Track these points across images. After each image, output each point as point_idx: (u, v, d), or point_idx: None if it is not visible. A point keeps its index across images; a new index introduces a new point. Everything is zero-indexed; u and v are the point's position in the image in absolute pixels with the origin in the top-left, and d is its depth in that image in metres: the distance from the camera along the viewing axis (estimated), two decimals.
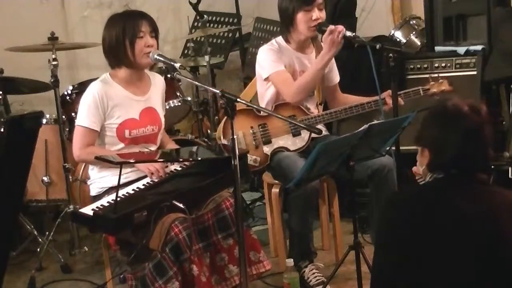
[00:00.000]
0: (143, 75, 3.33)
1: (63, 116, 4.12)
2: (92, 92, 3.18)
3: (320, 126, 3.63)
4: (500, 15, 4.30)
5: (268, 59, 3.62)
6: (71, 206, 4.05)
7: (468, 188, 2.12)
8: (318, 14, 3.54)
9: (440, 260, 2.04)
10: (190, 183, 3.08)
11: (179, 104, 4.38)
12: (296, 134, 3.65)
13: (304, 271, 3.54)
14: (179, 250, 2.85)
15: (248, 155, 3.41)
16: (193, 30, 5.47)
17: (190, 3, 4.95)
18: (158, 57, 3.12)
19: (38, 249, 4.09)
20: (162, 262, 2.86)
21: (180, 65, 2.97)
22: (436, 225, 2.06)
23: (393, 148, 3.35)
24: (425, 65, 4.42)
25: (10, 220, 2.70)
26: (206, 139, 4.75)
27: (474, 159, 2.12)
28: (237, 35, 5.45)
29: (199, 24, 5.02)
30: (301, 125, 3.29)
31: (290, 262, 3.28)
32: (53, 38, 4.22)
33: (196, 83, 4.60)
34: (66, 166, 4.07)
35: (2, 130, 2.49)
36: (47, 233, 4.11)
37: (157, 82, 3.40)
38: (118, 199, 2.80)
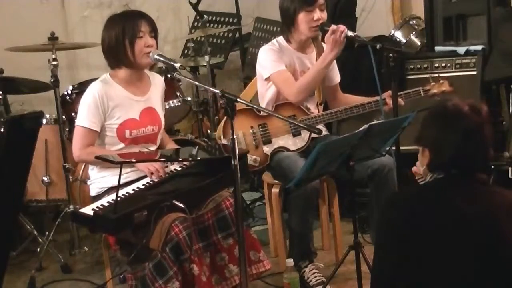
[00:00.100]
0: (143, 75, 3.33)
1: (63, 116, 4.12)
2: (92, 92, 3.18)
3: (320, 126, 3.63)
4: (500, 15, 4.30)
5: (269, 59, 3.62)
6: (71, 206, 4.05)
7: (468, 188, 2.12)
8: (320, 15, 3.54)
9: (440, 260, 2.04)
10: (190, 183, 3.09)
11: (179, 104, 4.38)
12: (296, 134, 3.65)
13: (304, 271, 3.54)
14: (179, 250, 2.85)
15: (248, 155, 3.41)
16: (193, 30, 5.47)
17: (190, 3, 4.95)
18: (158, 57, 3.12)
19: (38, 249, 4.09)
20: (162, 262, 2.86)
21: (180, 65, 2.97)
22: (436, 225, 2.06)
23: (393, 148, 3.35)
24: (425, 65, 4.42)
25: (10, 220, 2.70)
26: (206, 139, 4.75)
27: (474, 159, 2.12)
28: (237, 35, 5.45)
29: (199, 24, 5.02)
30: (301, 125, 3.29)
31: (290, 262, 3.28)
32: (53, 38, 4.22)
33: (196, 83, 4.60)
34: (66, 166, 4.07)
35: (2, 130, 2.49)
36: (47, 233, 4.11)
37: (157, 82, 3.40)
38: (118, 199, 2.80)
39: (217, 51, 5.40)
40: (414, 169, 2.28)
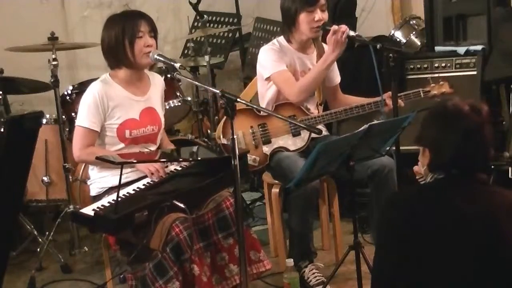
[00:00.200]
0: (142, 75, 3.33)
1: (63, 116, 4.12)
2: (92, 92, 3.18)
3: (320, 126, 3.63)
4: (500, 15, 4.30)
5: (270, 59, 3.62)
6: (71, 206, 4.05)
7: (468, 188, 2.12)
8: (321, 15, 3.53)
9: (440, 260, 2.04)
10: (190, 183, 3.09)
11: (179, 104, 4.38)
12: (296, 134, 3.65)
13: (304, 271, 3.54)
14: (180, 250, 2.85)
15: (247, 155, 3.41)
16: (193, 30, 5.47)
17: (190, 3, 4.95)
18: (158, 57, 3.12)
19: (38, 249, 4.09)
20: (162, 262, 2.86)
21: (180, 65, 2.97)
22: (436, 225, 2.06)
23: (393, 148, 3.35)
24: (425, 65, 4.42)
25: (10, 220, 2.70)
26: (206, 139, 4.75)
27: (474, 159, 2.12)
28: (237, 35, 5.45)
29: (199, 24, 5.02)
30: (301, 125, 3.29)
31: (290, 262, 3.28)
32: (53, 38, 4.22)
33: (196, 83, 4.60)
34: (66, 166, 4.07)
35: (2, 130, 2.49)
36: (47, 233, 4.11)
37: (157, 82, 3.40)
38: (119, 199, 2.80)
39: (217, 51, 5.39)
40: (415, 168, 2.28)
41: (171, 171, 3.16)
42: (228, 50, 5.48)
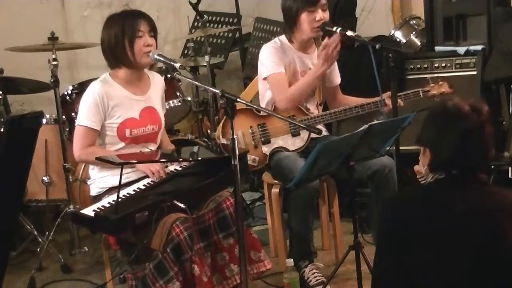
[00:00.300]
0: (142, 75, 3.33)
1: (63, 116, 4.12)
2: (93, 92, 3.18)
3: (320, 127, 3.63)
4: (500, 15, 4.30)
5: (270, 59, 3.62)
6: (71, 206, 4.05)
7: (468, 188, 2.12)
8: (322, 15, 3.54)
9: (440, 260, 2.04)
10: (191, 183, 3.08)
11: (179, 104, 4.38)
12: (295, 134, 3.65)
13: (304, 271, 3.54)
14: (180, 250, 2.85)
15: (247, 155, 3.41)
16: (193, 30, 5.47)
17: (190, 3, 4.95)
18: (158, 57, 3.12)
19: (38, 249, 4.09)
20: (163, 262, 2.86)
21: (180, 65, 2.97)
22: (436, 225, 2.06)
23: (393, 148, 3.35)
24: (425, 65, 4.42)
25: (10, 220, 2.70)
26: (206, 139, 4.75)
27: (474, 159, 2.12)
28: (237, 35, 5.45)
29: (199, 24, 5.02)
30: (301, 125, 3.29)
31: (290, 262, 3.28)
32: (53, 38, 4.22)
33: (196, 83, 4.60)
34: (66, 166, 4.07)
35: (2, 130, 2.50)
36: (47, 233, 4.11)
37: (157, 82, 3.40)
38: (119, 199, 2.80)
39: (217, 51, 5.39)
40: (416, 167, 2.28)
41: (171, 171, 3.16)
42: (228, 50, 5.48)
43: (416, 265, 2.06)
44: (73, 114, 4.08)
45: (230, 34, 5.46)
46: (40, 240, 4.09)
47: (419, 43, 4.79)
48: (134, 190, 3.02)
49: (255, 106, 3.30)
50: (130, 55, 3.16)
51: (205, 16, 4.90)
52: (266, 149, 3.63)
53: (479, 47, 4.29)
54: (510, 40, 4.15)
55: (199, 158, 3.32)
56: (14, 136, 2.53)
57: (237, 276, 3.00)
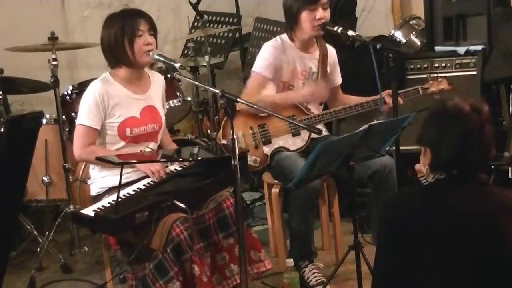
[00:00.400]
0: (142, 74, 3.33)
1: (63, 116, 4.12)
2: (93, 91, 3.18)
3: (320, 126, 3.63)
4: (500, 15, 4.30)
5: (263, 58, 3.63)
6: (71, 206, 4.05)
7: (468, 188, 2.12)
8: (322, 14, 3.54)
9: (440, 260, 2.04)
10: (191, 183, 3.08)
11: (179, 104, 4.38)
12: (296, 134, 3.65)
13: (304, 271, 3.54)
14: (180, 250, 2.85)
15: (248, 155, 3.41)
16: (193, 30, 5.47)
17: (190, 3, 4.95)
18: (158, 57, 3.12)
19: (38, 249, 4.09)
20: (163, 262, 2.86)
21: (180, 65, 2.97)
22: (436, 225, 2.06)
23: (393, 148, 3.35)
24: (425, 65, 4.42)
25: (10, 220, 2.70)
26: (206, 139, 4.75)
27: (475, 159, 2.12)
28: (237, 35, 5.45)
29: (199, 24, 5.02)
30: (301, 125, 3.29)
31: (290, 262, 3.27)
32: (53, 38, 4.21)
33: (196, 83, 4.60)
34: (66, 166, 4.07)
35: (2, 130, 2.50)
36: (47, 233, 4.10)
37: (157, 81, 3.40)
38: (119, 199, 2.80)
39: (217, 51, 5.40)
40: (417, 166, 2.28)
41: (171, 171, 3.16)
42: (228, 50, 5.48)
43: (416, 265, 2.06)
44: (73, 114, 4.08)
45: (230, 34, 5.46)
46: (40, 240, 4.09)
47: (419, 43, 4.79)
48: (134, 190, 3.02)
49: (255, 106, 3.29)
50: (130, 54, 3.16)
51: (205, 16, 4.90)
52: (267, 150, 3.63)
53: (479, 47, 4.30)
54: (510, 40, 4.15)
55: (199, 158, 3.32)
56: (14, 136, 2.53)
57: (237, 276, 3.00)
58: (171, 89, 4.21)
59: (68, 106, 4.17)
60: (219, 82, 5.51)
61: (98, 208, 2.88)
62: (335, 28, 3.48)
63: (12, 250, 4.03)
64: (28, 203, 4.28)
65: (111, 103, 3.18)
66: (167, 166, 3.18)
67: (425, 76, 3.85)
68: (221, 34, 5.49)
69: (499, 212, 2.06)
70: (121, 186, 2.80)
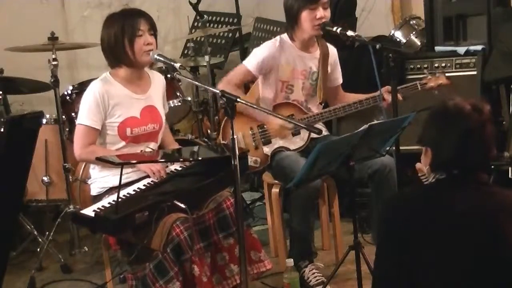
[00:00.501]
0: (143, 74, 3.33)
1: (63, 116, 4.12)
2: (93, 91, 3.18)
3: (320, 126, 3.63)
4: (500, 15, 4.30)
5: (255, 56, 3.67)
6: (71, 206, 4.05)
7: (468, 188, 2.11)
8: (323, 13, 3.54)
9: (440, 260, 2.04)
10: (191, 183, 3.09)
11: (179, 104, 4.38)
12: (295, 133, 3.65)
13: (304, 271, 3.54)
14: (180, 250, 2.85)
15: (248, 156, 3.41)
16: (193, 30, 5.47)
17: (190, 3, 4.95)
18: (158, 57, 3.12)
19: (38, 249, 4.09)
20: (163, 262, 2.86)
21: (180, 65, 2.97)
22: (436, 225, 2.06)
23: (393, 148, 3.35)
24: (425, 65, 4.42)
25: (10, 220, 2.70)
26: (206, 139, 4.75)
27: (475, 159, 2.12)
28: (237, 35, 5.45)
29: (199, 24, 5.02)
30: (301, 125, 3.28)
31: (290, 262, 3.27)
32: (53, 38, 4.21)
33: (196, 83, 4.60)
34: (66, 166, 4.07)
35: (2, 130, 2.50)
36: (47, 233, 4.10)
37: (157, 81, 3.40)
38: (119, 199, 2.80)
39: (217, 51, 5.40)
40: (418, 165, 2.28)
41: (171, 171, 3.16)
42: (228, 50, 5.48)
43: (416, 265, 2.06)
44: (73, 114, 4.08)
45: (230, 34, 5.46)
46: (40, 240, 4.09)
47: (419, 43, 4.79)
48: (134, 190, 3.02)
49: (255, 106, 3.29)
50: (130, 54, 3.16)
51: (205, 16, 4.90)
52: (267, 150, 3.63)
53: (479, 47, 4.30)
54: (510, 40, 4.15)
55: (199, 158, 3.32)
56: (14, 136, 2.53)
57: (237, 276, 3.00)
58: (171, 89, 4.21)
59: (68, 106, 4.17)
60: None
61: (98, 208, 2.88)
62: (334, 29, 3.48)
63: (12, 250, 4.03)
64: (28, 203, 4.28)
65: (111, 103, 3.18)
66: (167, 166, 3.18)
67: (425, 76, 3.85)
68: (221, 34, 5.49)
69: (500, 212, 2.06)
70: (121, 186, 2.80)
